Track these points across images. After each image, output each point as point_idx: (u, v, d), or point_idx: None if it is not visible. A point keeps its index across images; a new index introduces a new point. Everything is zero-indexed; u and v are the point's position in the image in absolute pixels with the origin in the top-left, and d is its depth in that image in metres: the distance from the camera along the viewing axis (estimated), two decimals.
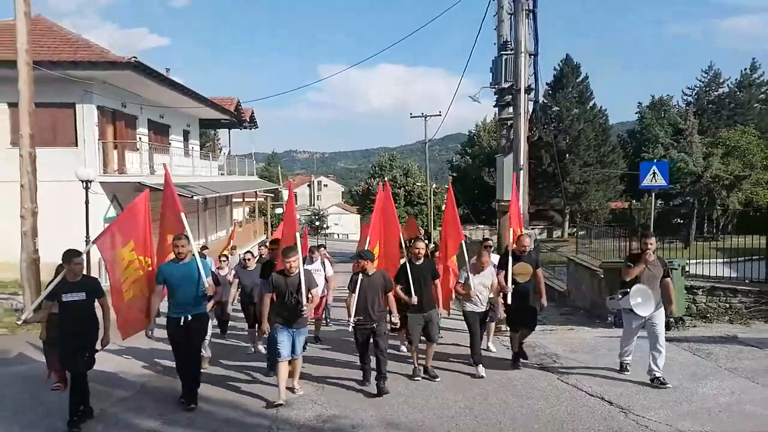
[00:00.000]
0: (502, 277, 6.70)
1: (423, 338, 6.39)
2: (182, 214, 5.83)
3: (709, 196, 29.44)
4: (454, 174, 52.06)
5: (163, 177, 6.21)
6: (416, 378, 6.29)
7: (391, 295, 6.07)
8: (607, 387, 5.70)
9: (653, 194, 11.56)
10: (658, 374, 5.70)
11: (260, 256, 9.86)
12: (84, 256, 5.17)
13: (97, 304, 5.28)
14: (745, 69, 43.90)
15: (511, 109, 10.76)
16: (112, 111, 17.62)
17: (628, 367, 6.16)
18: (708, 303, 9.08)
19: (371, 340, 5.99)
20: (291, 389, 5.71)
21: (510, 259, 6.69)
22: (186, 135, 25.62)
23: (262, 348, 7.76)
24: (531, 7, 10.15)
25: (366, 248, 6.79)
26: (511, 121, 10.78)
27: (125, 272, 5.65)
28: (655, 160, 26.86)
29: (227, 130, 32.89)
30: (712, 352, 6.92)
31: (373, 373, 5.98)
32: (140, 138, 19.31)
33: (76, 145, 16.42)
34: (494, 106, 11.88)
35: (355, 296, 5.87)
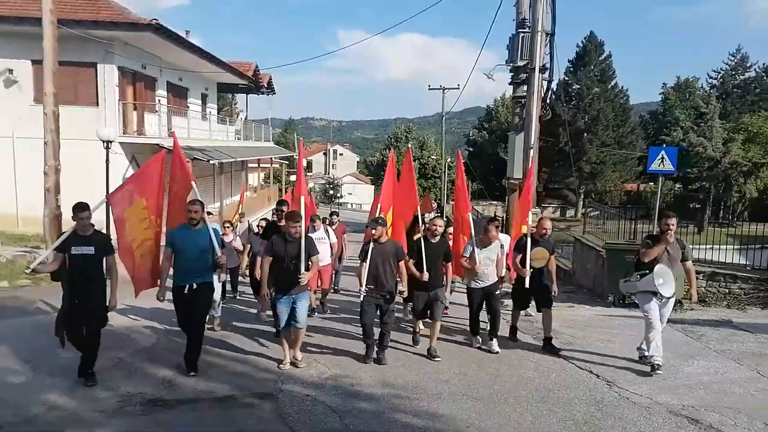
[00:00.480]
0: (518, 260, 6.65)
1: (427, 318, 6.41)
2: (193, 183, 5.88)
3: (726, 182, 29.17)
4: (470, 149, 51.82)
5: (179, 140, 6.35)
6: (416, 345, 6.46)
7: (402, 264, 5.95)
8: (597, 361, 5.95)
9: (661, 178, 11.57)
10: (646, 353, 5.74)
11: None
12: (90, 211, 5.16)
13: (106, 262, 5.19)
14: None
15: (525, 88, 10.83)
16: (133, 72, 17.86)
17: (660, 368, 5.57)
18: (708, 288, 9.26)
19: (378, 314, 5.92)
20: (294, 363, 5.65)
21: (529, 242, 6.60)
22: (204, 98, 25.84)
23: (263, 315, 7.75)
24: None
25: (378, 214, 6.70)
26: (524, 100, 10.86)
27: (136, 229, 5.68)
28: (668, 145, 26.66)
29: (245, 94, 33.02)
30: (704, 334, 7.14)
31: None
32: (159, 100, 19.55)
33: (97, 105, 16.73)
34: (509, 83, 11.93)
35: (366, 265, 5.79)
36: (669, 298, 5.66)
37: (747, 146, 33.39)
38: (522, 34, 10.66)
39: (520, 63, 10.77)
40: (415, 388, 5.18)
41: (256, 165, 32.65)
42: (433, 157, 55.13)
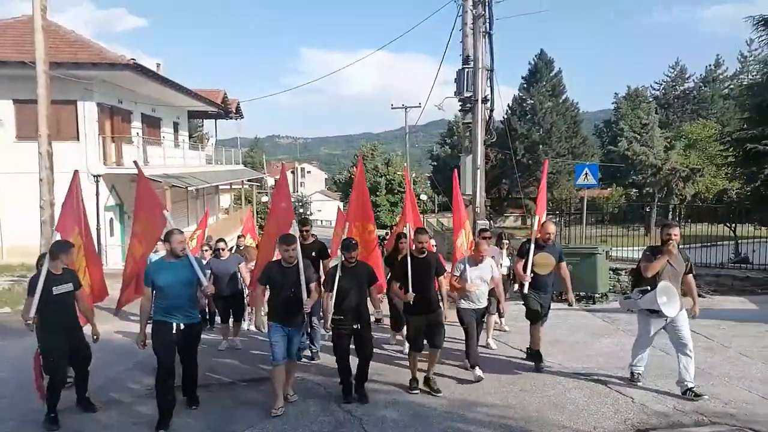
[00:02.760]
0: (520, 266, 6.24)
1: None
2: (165, 212, 5.61)
3: (667, 186, 31.67)
4: (434, 163, 53.76)
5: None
6: (414, 392, 5.53)
7: (373, 288, 5.53)
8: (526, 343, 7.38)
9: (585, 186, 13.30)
10: (690, 385, 5.17)
11: (237, 246, 9.97)
12: (74, 249, 5.33)
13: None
14: (710, 65, 46.25)
15: (471, 116, 12.46)
16: (110, 107, 18.93)
17: (640, 378, 5.60)
18: (629, 282, 10.93)
19: (353, 345, 5.38)
20: (284, 396, 5.25)
21: (532, 247, 6.22)
22: (176, 126, 26.89)
23: (238, 342, 7.64)
24: (487, 30, 11.80)
25: (344, 236, 5.99)
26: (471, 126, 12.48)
27: (76, 258, 5.69)
28: (615, 154, 28.28)
29: (214, 120, 34.13)
30: (618, 318, 8.74)
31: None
32: (138, 133, 20.61)
33: (78, 140, 17.73)
34: (459, 111, 13.58)
35: (332, 295, 5.30)
36: (666, 321, 5.27)
37: (687, 152, 36.20)
38: (467, 69, 12.28)
39: (467, 94, 12.37)
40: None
41: (228, 186, 33.65)
42: (399, 173, 56.82)
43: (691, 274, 5.46)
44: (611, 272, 11.09)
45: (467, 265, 5.98)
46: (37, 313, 4.88)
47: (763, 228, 19.73)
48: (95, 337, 5.25)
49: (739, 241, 19.95)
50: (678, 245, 5.29)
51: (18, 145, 17.37)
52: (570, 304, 6.45)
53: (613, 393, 5.37)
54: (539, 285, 6.21)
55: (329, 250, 7.18)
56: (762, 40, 18.31)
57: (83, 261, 5.94)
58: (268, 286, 5.38)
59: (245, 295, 7.87)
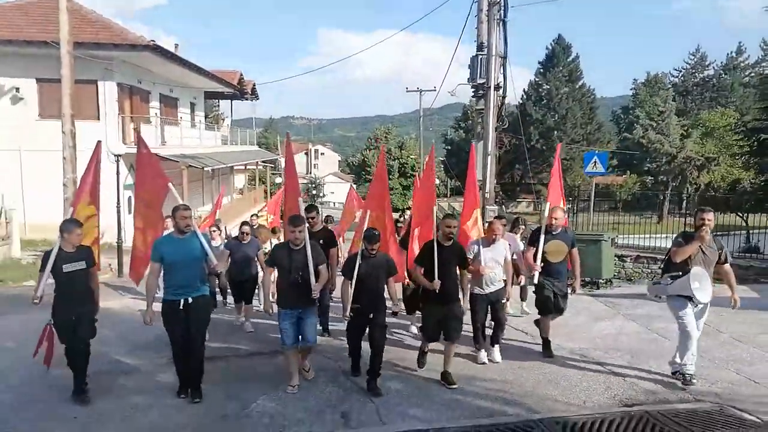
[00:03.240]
0: (530, 254, 6.17)
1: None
2: (170, 185, 5.67)
3: (682, 175, 31.53)
4: (448, 147, 53.76)
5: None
6: (422, 367, 5.65)
7: (392, 279, 5.41)
8: (531, 326, 7.65)
9: (592, 173, 13.43)
10: (678, 361, 5.26)
11: (251, 226, 9.51)
12: (81, 228, 5.24)
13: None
14: (731, 52, 45.51)
15: (483, 102, 12.62)
16: (130, 87, 19.33)
17: (693, 379, 5.18)
18: (634, 269, 11.18)
19: (367, 332, 5.32)
20: (301, 372, 5.34)
21: (543, 235, 6.12)
22: (192, 107, 27.29)
23: (249, 325, 7.66)
24: (502, 17, 11.88)
25: (366, 226, 5.85)
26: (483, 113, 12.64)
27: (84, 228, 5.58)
28: (630, 141, 27.87)
29: (230, 101, 34.47)
30: (620, 303, 8.99)
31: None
32: (156, 113, 21.02)
33: (98, 119, 18.18)
34: (472, 97, 13.72)
35: (352, 284, 5.21)
36: (705, 303, 5.15)
37: (704, 141, 35.85)
38: (480, 56, 12.40)
39: (480, 81, 12.50)
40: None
41: (243, 167, 34.09)
42: (412, 156, 56.91)
43: (727, 264, 5.30)
44: (616, 259, 11.31)
45: (481, 247, 5.90)
46: (54, 289, 5.02)
47: None
48: (95, 316, 5.21)
49: (751, 231, 19.95)
50: (711, 232, 5.10)
51: (40, 123, 17.88)
52: (573, 291, 6.33)
53: (605, 371, 5.66)
54: (552, 272, 6.11)
55: (338, 236, 7.18)
56: None
57: (95, 231, 6.01)
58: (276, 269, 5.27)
59: (258, 280, 7.86)
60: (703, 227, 5.02)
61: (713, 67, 45.52)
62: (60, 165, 13.27)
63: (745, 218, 20.85)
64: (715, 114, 38.56)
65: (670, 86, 43.17)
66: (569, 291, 6.27)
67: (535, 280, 6.12)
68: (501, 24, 11.95)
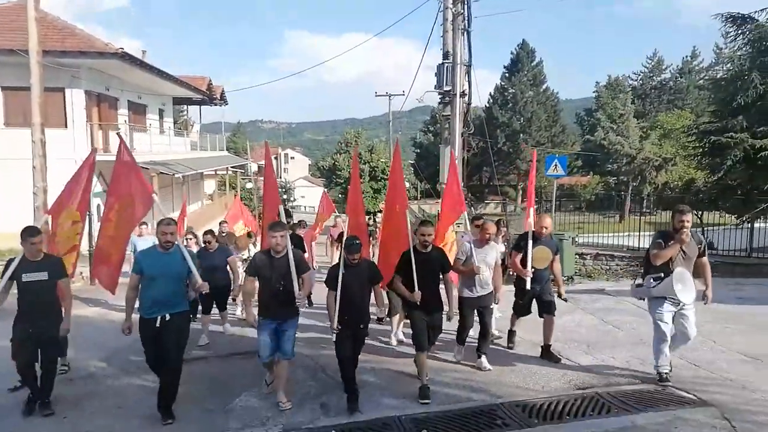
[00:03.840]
0: (518, 260, 6.09)
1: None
2: (154, 196, 5.47)
3: (641, 175, 32.83)
4: (417, 150, 54.40)
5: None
6: (425, 401, 4.98)
7: (378, 287, 5.30)
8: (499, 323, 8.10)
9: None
10: (656, 364, 5.31)
11: (221, 234, 9.39)
12: (42, 236, 5.02)
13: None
14: (687, 56, 47.39)
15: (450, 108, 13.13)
16: (97, 94, 19.20)
17: (669, 377, 5.24)
18: (594, 266, 11.81)
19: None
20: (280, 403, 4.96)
21: (530, 241, 6.05)
22: (161, 113, 27.12)
23: (229, 327, 7.62)
24: (466, 27, 12.43)
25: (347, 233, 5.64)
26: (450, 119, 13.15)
27: (63, 236, 5.81)
28: (592, 143, 28.79)
29: (198, 106, 34.32)
30: (580, 299, 9.55)
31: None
32: (125, 120, 20.91)
33: (66, 127, 18.03)
34: (438, 103, 14.25)
35: (337, 294, 5.00)
36: (678, 307, 5.14)
37: (662, 142, 37.33)
38: (446, 65, 12.92)
39: (446, 88, 13.03)
40: None
41: (213, 173, 33.95)
42: (382, 160, 57.39)
43: (704, 257, 5.26)
44: (576, 257, 11.93)
45: (473, 248, 5.79)
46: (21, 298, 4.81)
47: (727, 216, 20.82)
48: (62, 330, 5.02)
49: (705, 228, 21.03)
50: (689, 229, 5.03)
51: (5, 132, 17.65)
52: (560, 296, 6.38)
53: (563, 360, 6.14)
54: (537, 279, 6.08)
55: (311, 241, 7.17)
56: (729, 38, 19.27)
57: (76, 239, 5.89)
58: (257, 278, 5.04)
59: (231, 288, 7.75)
60: (683, 230, 4.95)
61: (670, 71, 47.38)
62: (25, 173, 13.26)
63: (699, 216, 21.93)
64: (672, 116, 40.20)
65: (629, 89, 44.68)
66: (557, 297, 6.30)
67: (527, 286, 6.05)
68: (465, 34, 12.51)
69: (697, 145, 21.44)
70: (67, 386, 5.55)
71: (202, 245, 7.93)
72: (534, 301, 6.33)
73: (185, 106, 41.14)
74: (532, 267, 6.04)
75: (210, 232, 7.99)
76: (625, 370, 5.80)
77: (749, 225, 14.43)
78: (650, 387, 5.22)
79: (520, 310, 6.42)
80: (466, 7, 12.20)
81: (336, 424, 4.63)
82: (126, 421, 4.82)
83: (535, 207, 8.19)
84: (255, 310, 5.12)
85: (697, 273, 5.31)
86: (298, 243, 7.01)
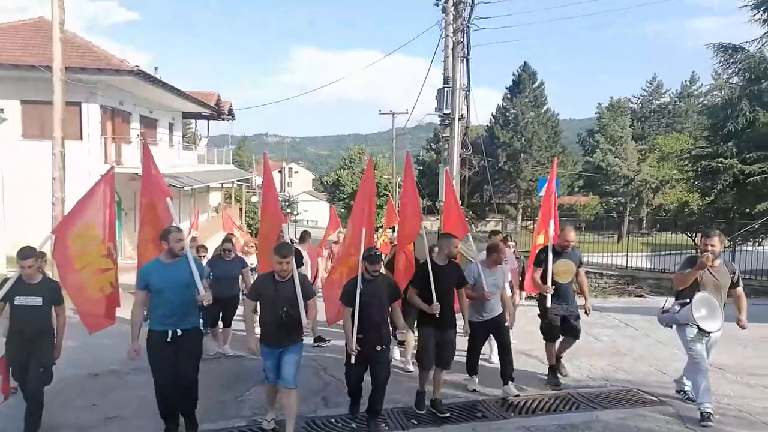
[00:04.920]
0: (538, 275, 5.89)
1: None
2: (168, 200, 5.16)
3: (638, 197, 33.52)
4: (419, 168, 55.25)
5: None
6: (421, 410, 5.20)
7: (397, 305, 5.03)
8: None
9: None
10: (696, 398, 5.04)
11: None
12: (36, 258, 4.65)
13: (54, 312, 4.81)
14: (686, 81, 48.35)
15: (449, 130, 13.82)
16: (112, 109, 20.04)
17: (711, 417, 4.80)
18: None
19: (369, 368, 4.86)
20: None
21: (550, 254, 5.85)
22: (171, 127, 27.98)
23: (229, 349, 7.37)
24: (465, 55, 13.17)
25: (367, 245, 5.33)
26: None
27: (85, 256, 5.17)
28: (592, 164, 29.30)
29: (206, 120, 35.24)
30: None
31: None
32: (138, 135, 21.73)
33: (81, 139, 18.81)
34: (439, 124, 14.96)
35: (354, 311, 4.75)
36: (710, 335, 4.90)
37: (660, 164, 38.06)
38: (446, 89, 13.65)
39: (446, 111, 13.74)
40: None
41: (220, 186, 34.76)
42: (384, 176, 58.16)
43: (739, 287, 5.04)
44: None
45: (481, 271, 5.59)
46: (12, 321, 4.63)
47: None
48: (54, 357, 4.81)
49: (700, 249, 21.62)
50: (719, 255, 4.88)
51: (23, 144, 18.42)
52: (587, 313, 6.12)
53: (542, 365, 6.67)
54: (561, 294, 5.85)
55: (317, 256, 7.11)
56: (720, 67, 20.07)
57: (106, 263, 5.28)
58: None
59: (240, 301, 7.43)
60: (705, 253, 4.78)
61: (669, 95, 48.29)
62: (41, 183, 14.07)
63: (693, 238, 22.53)
64: (670, 139, 40.99)
65: (629, 112, 45.51)
66: (583, 313, 6.06)
67: (548, 304, 5.82)
68: (464, 61, 13.23)
69: (690, 168, 22.18)
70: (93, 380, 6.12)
71: (218, 255, 7.67)
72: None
73: (195, 121, 42.29)
74: (555, 280, 5.80)
75: (229, 239, 7.93)
76: (600, 375, 6.37)
77: (731, 249, 15.01)
78: (618, 389, 5.79)
79: (550, 331, 5.95)
80: (465, 36, 12.94)
81: (335, 414, 5.21)
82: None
83: (524, 222, 8.69)
84: (256, 340, 4.74)
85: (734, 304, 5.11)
86: (297, 258, 6.32)
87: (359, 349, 4.72)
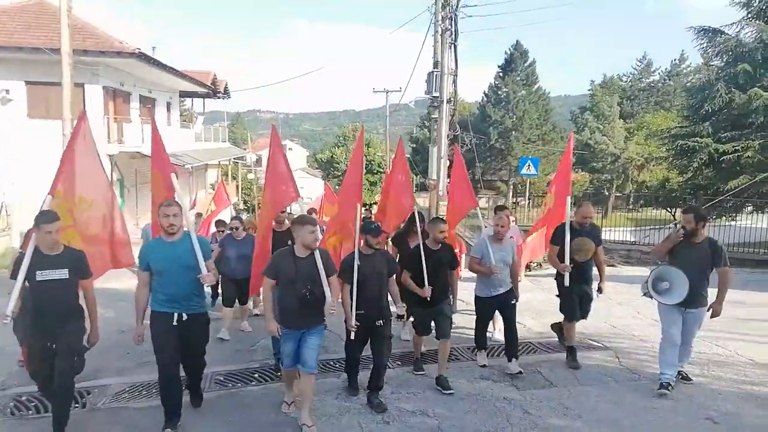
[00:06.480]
0: (555, 253, 5.75)
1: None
2: (173, 175, 4.86)
3: (624, 174, 34.55)
4: (413, 145, 55.93)
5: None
6: (419, 372, 5.51)
7: (392, 280, 4.97)
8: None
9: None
10: (679, 368, 5.18)
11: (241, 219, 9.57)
12: (59, 223, 4.09)
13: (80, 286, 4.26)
14: (675, 59, 48.99)
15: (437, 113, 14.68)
16: (113, 89, 20.72)
17: (669, 387, 4.92)
18: None
19: (369, 342, 4.86)
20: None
21: (568, 232, 5.66)
22: (168, 106, 28.60)
23: (247, 324, 7.39)
24: (453, 41, 13.96)
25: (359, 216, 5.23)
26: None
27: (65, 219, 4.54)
28: (580, 142, 31.13)
29: (202, 99, 35.80)
30: (540, 281, 11.17)
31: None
32: (138, 114, 22.45)
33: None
34: (429, 107, 15.80)
35: (352, 287, 4.69)
36: (682, 309, 4.89)
37: (648, 142, 39.00)
38: (435, 73, 14.46)
39: (435, 94, 14.58)
40: None
41: (217, 163, 35.50)
42: (378, 153, 58.81)
43: (723, 267, 4.89)
44: None
45: (489, 246, 5.54)
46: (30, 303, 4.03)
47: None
48: (91, 342, 4.34)
49: (678, 224, 22.78)
50: (697, 233, 4.82)
51: (30, 123, 19.13)
52: (600, 291, 5.97)
53: (523, 332, 7.14)
54: (579, 273, 5.69)
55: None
56: (700, 49, 20.88)
57: (92, 226, 4.99)
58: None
59: None
60: (679, 228, 4.91)
61: (659, 73, 48.97)
62: (48, 159, 14.80)
63: (673, 213, 23.65)
64: (658, 117, 41.86)
65: (618, 90, 46.19)
66: (596, 293, 5.93)
67: (566, 282, 5.67)
68: (452, 47, 14.02)
69: (671, 147, 23.16)
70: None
71: (228, 232, 7.50)
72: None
73: (192, 100, 42.70)
74: (573, 259, 5.64)
75: (238, 218, 7.86)
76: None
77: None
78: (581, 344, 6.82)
79: (569, 310, 5.80)
80: (453, 23, 13.70)
81: (332, 358, 6.19)
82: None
83: (519, 199, 9.58)
84: (274, 324, 4.41)
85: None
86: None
87: (359, 324, 4.68)
